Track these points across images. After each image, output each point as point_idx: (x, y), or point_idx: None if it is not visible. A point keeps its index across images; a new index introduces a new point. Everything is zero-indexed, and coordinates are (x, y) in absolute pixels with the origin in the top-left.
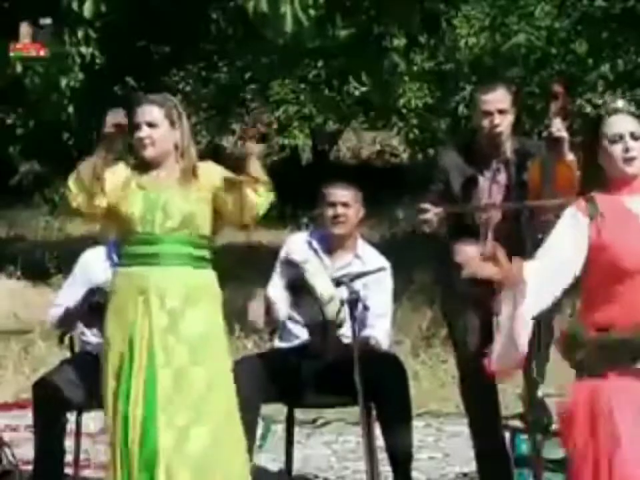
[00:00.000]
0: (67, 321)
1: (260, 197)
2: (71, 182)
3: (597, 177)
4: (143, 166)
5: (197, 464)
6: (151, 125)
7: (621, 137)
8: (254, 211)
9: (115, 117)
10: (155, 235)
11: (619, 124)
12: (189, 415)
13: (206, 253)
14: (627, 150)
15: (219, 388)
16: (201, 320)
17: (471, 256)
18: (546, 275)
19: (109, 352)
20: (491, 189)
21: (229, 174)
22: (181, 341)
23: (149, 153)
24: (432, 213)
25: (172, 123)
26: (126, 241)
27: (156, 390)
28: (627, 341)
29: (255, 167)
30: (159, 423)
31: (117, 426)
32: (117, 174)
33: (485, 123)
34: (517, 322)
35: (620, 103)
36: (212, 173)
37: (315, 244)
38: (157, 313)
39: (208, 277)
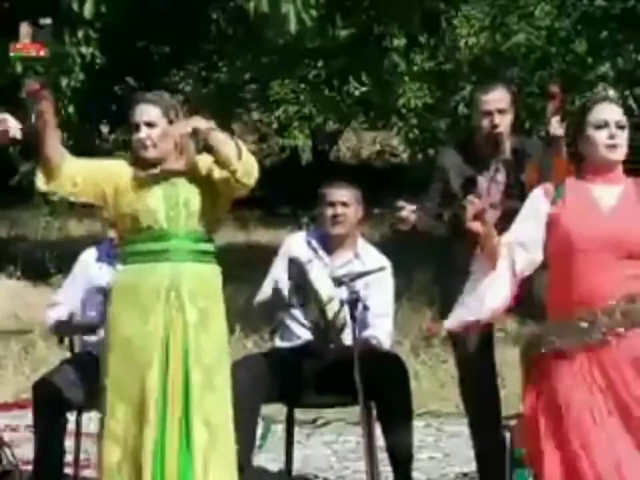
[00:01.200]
0: (62, 331)
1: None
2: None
3: (576, 165)
4: (143, 163)
5: (230, 461)
6: (149, 124)
7: (606, 124)
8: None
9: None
10: (177, 232)
11: (605, 111)
12: (221, 412)
13: (213, 248)
14: (611, 137)
15: (228, 386)
16: (223, 320)
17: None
18: (518, 242)
19: (121, 350)
20: (490, 188)
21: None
22: (211, 339)
23: (150, 153)
24: (408, 210)
25: (170, 122)
26: (142, 237)
27: (191, 387)
28: (581, 320)
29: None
30: (195, 422)
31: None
32: (116, 167)
33: (485, 122)
34: (486, 283)
35: (611, 92)
36: (206, 160)
37: (314, 243)
38: (190, 309)
39: (220, 274)
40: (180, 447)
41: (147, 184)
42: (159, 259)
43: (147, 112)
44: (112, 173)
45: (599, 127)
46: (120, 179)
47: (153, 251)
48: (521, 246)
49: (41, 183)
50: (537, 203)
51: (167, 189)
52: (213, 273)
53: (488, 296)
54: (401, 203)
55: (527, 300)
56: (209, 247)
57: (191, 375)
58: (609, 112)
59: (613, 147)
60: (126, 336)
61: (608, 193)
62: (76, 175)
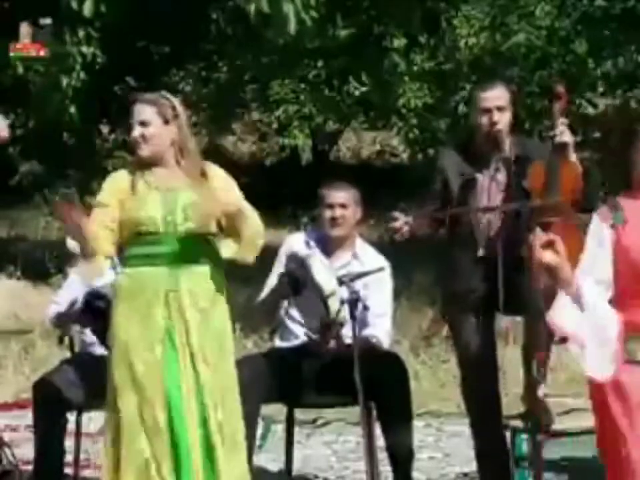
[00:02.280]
0: (63, 321)
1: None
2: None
3: (626, 178)
4: (143, 165)
5: (229, 459)
6: (143, 123)
7: None
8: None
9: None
10: (176, 235)
11: None
12: (224, 412)
13: (217, 250)
14: None
15: (234, 385)
16: (224, 317)
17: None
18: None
19: (131, 355)
20: (490, 188)
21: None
22: (212, 339)
23: (143, 151)
24: (402, 221)
25: (165, 121)
26: (140, 241)
27: (203, 388)
28: None
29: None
30: (212, 422)
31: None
32: (117, 183)
33: (484, 120)
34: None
35: None
36: (219, 179)
37: (313, 244)
38: (190, 311)
39: (222, 275)
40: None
41: (146, 189)
42: (158, 263)
43: (141, 111)
44: (114, 203)
45: None
46: (121, 195)
47: (152, 254)
48: (597, 283)
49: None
50: (600, 234)
51: (166, 194)
52: (213, 273)
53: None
54: (395, 214)
55: (516, 298)
56: (209, 248)
57: (200, 375)
58: None
59: None
60: (127, 339)
61: None
62: (110, 244)
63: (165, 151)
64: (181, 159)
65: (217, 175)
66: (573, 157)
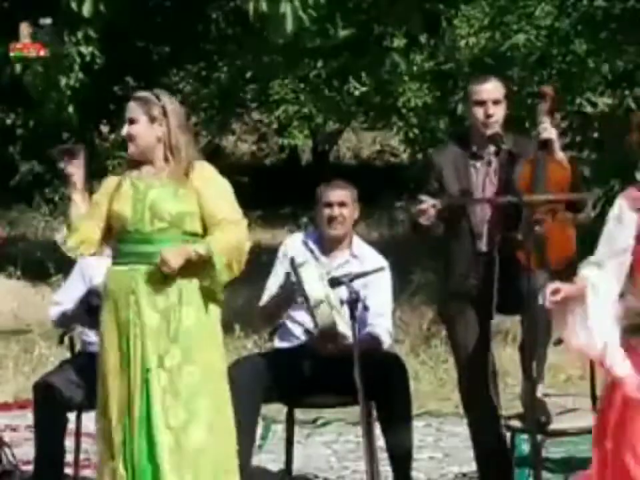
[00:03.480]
0: (65, 321)
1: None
2: (67, 232)
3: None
4: (134, 163)
5: (196, 461)
6: (131, 121)
7: None
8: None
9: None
10: (145, 234)
11: None
12: (184, 415)
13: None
14: None
15: (210, 383)
16: (193, 318)
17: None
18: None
19: (104, 352)
20: (485, 182)
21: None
22: (174, 341)
23: (130, 149)
24: (429, 203)
25: (151, 119)
26: (118, 240)
27: (151, 391)
28: None
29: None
30: (158, 424)
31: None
32: (108, 183)
33: (479, 113)
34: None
35: None
36: (202, 181)
37: (311, 244)
38: (149, 313)
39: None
40: (146, 449)
41: (122, 188)
42: (126, 262)
43: (131, 109)
44: (103, 201)
45: None
46: (109, 194)
47: (127, 253)
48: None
49: (71, 244)
50: (621, 216)
51: (137, 193)
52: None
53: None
54: (422, 197)
55: (514, 297)
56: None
57: (151, 378)
58: None
59: None
60: (101, 340)
61: None
62: (93, 233)
63: (151, 150)
64: (171, 158)
65: (202, 176)
66: (560, 154)
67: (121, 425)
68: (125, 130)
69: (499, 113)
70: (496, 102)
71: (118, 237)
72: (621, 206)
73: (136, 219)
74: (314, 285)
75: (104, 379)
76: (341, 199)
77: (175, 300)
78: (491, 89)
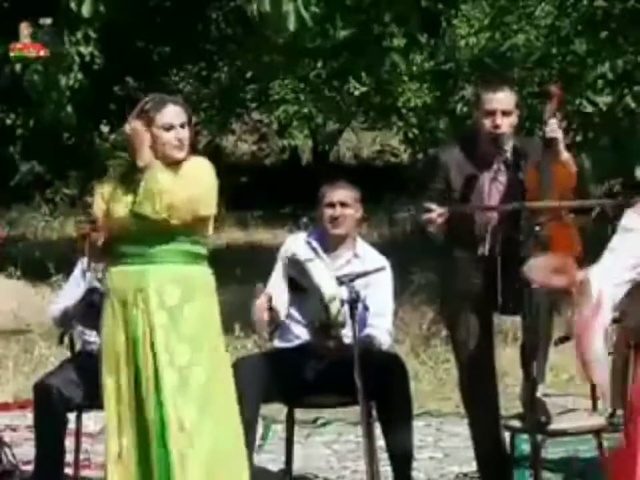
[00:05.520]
0: (65, 319)
1: None
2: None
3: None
4: (133, 168)
5: (207, 460)
6: (182, 126)
7: None
8: None
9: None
10: (145, 235)
11: None
12: (195, 414)
13: (201, 249)
14: None
15: (218, 383)
16: (198, 317)
17: (539, 267)
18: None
19: (107, 351)
20: (491, 188)
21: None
22: (182, 340)
23: (181, 154)
24: (436, 212)
25: (188, 124)
26: (120, 240)
27: (163, 390)
28: None
29: None
30: (170, 424)
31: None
32: (103, 188)
33: (487, 122)
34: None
35: None
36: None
37: (314, 244)
38: (157, 311)
39: (203, 273)
40: (157, 448)
41: (120, 190)
42: (129, 262)
43: (181, 114)
44: (100, 203)
45: None
46: (106, 199)
47: (127, 254)
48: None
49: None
50: (631, 224)
51: (136, 195)
52: (190, 272)
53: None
54: (429, 205)
55: (514, 298)
56: (187, 248)
57: (162, 376)
58: None
59: None
60: (104, 339)
61: None
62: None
63: (134, 152)
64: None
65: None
66: (565, 155)
67: (130, 424)
68: (183, 134)
69: (507, 123)
70: (506, 113)
71: (119, 238)
72: (630, 218)
73: (136, 220)
74: (326, 280)
75: (106, 377)
76: (342, 199)
77: (181, 299)
78: (502, 99)
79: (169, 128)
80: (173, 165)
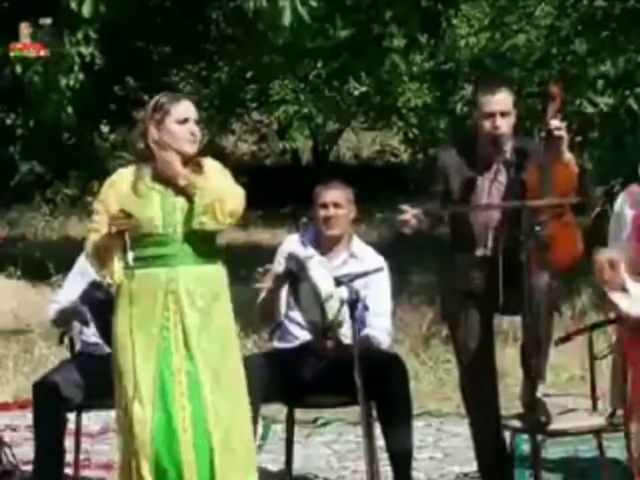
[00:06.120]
0: (64, 318)
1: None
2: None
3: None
4: (147, 164)
5: (241, 459)
6: (195, 121)
7: None
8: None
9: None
10: (176, 236)
11: None
12: (228, 412)
13: (217, 248)
14: None
15: (241, 381)
16: (225, 315)
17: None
18: None
19: (130, 354)
20: (491, 189)
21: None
22: (212, 340)
23: (194, 148)
24: (410, 214)
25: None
26: (142, 243)
27: (201, 390)
28: None
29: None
30: (209, 424)
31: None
32: (116, 187)
33: (487, 124)
34: None
35: None
36: (215, 175)
37: (309, 244)
38: (189, 312)
39: (222, 271)
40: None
41: (145, 191)
42: (158, 264)
43: (191, 109)
44: (111, 205)
45: None
46: (122, 199)
47: (152, 256)
48: None
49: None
50: (619, 212)
51: (165, 195)
52: (213, 272)
53: None
54: (404, 207)
55: (515, 298)
56: (209, 247)
57: (200, 377)
58: None
59: None
60: (125, 342)
61: None
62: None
63: (146, 151)
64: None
65: (210, 170)
66: (567, 155)
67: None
68: (197, 128)
69: (506, 124)
70: (504, 114)
71: (140, 241)
72: (620, 202)
73: (167, 223)
74: (322, 279)
75: (126, 376)
76: (335, 199)
77: (210, 299)
78: (500, 101)
79: (184, 121)
80: (195, 167)
